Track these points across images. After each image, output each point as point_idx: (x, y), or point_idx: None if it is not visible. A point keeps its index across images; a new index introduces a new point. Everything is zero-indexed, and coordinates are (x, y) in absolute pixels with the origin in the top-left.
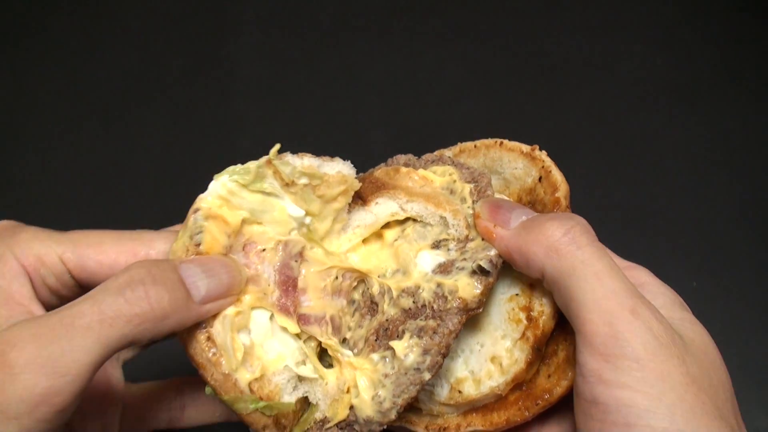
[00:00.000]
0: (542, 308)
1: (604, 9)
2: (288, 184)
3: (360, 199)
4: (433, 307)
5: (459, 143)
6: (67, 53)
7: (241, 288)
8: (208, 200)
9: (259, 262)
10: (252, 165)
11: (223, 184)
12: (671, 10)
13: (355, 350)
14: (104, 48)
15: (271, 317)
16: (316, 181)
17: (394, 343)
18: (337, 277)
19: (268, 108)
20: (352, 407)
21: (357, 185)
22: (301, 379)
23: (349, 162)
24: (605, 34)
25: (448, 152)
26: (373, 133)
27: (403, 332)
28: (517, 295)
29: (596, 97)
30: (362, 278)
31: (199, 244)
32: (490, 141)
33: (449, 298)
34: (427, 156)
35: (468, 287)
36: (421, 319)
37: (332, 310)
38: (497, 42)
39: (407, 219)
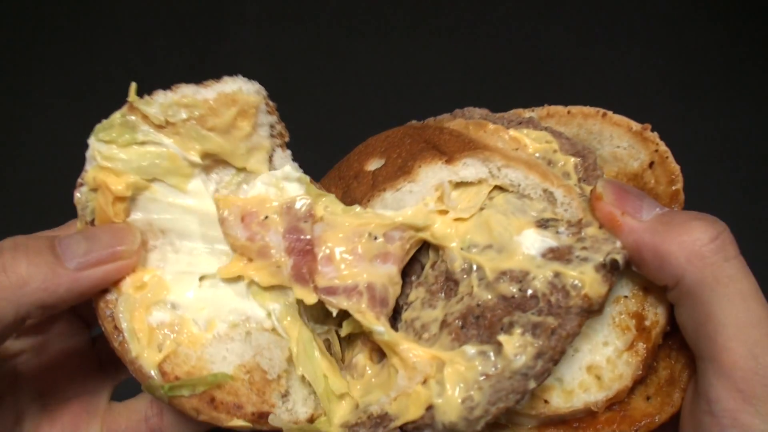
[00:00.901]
0: (657, 318)
1: (605, 8)
2: (164, 126)
3: (443, 153)
4: (549, 300)
5: (547, 105)
6: (67, 52)
7: (133, 252)
8: (87, 171)
9: (264, 231)
10: (115, 116)
11: (94, 147)
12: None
13: (426, 334)
14: (104, 47)
15: (201, 282)
16: (198, 111)
17: (503, 339)
18: (375, 237)
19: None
20: (430, 407)
21: (254, 101)
22: (256, 343)
23: (240, 77)
24: (605, 34)
25: (529, 113)
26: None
27: (511, 326)
28: (626, 297)
29: (596, 97)
30: (431, 246)
31: (91, 221)
32: (589, 109)
33: (572, 293)
34: (505, 115)
35: (595, 284)
36: (533, 313)
37: (371, 277)
38: (497, 42)
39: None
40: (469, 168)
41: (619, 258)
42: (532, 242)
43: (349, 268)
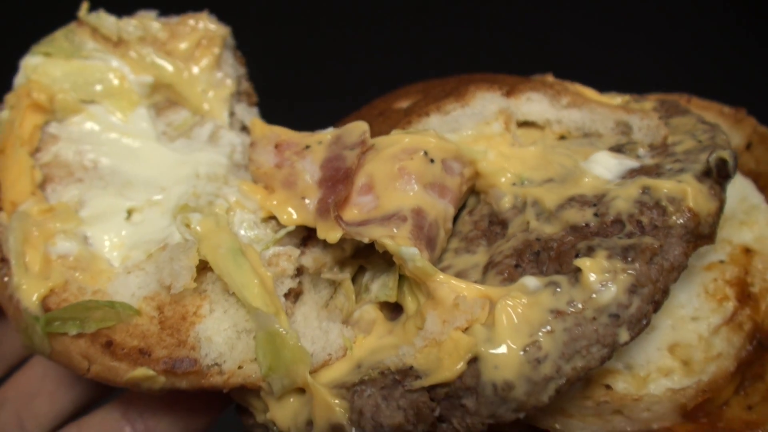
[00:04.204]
0: (767, 284)
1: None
2: (115, 44)
3: (502, 84)
4: (640, 222)
5: (616, 94)
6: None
7: None
8: (14, 89)
9: (297, 158)
10: (58, 31)
11: (26, 63)
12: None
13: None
14: None
15: (130, 215)
16: (156, 31)
17: (581, 262)
18: (432, 160)
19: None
20: (474, 360)
21: (219, 31)
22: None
23: (206, 12)
24: (603, 33)
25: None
26: None
27: (591, 250)
28: (721, 262)
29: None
30: (479, 187)
31: None
32: (671, 96)
33: (670, 209)
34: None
35: (700, 196)
36: (620, 238)
37: (421, 203)
38: (497, 41)
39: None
40: (533, 104)
41: (727, 156)
42: (607, 165)
43: (392, 192)
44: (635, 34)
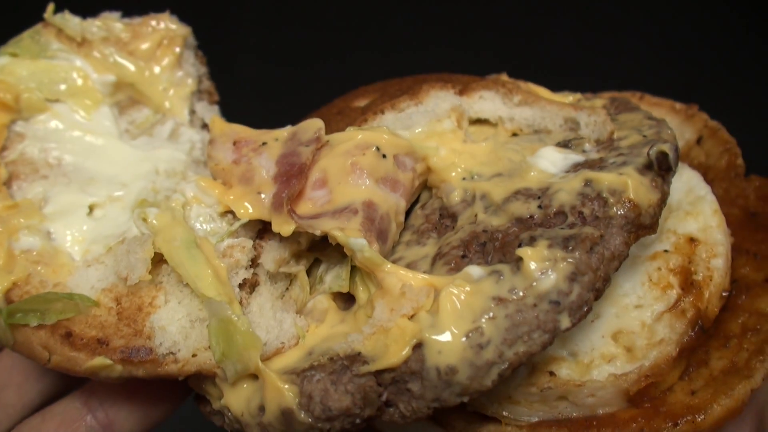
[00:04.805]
0: (710, 273)
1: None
2: (80, 44)
3: (455, 83)
4: (581, 213)
5: (568, 92)
6: None
7: None
8: None
9: (254, 155)
10: (24, 33)
11: None
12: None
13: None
14: None
15: (92, 210)
16: (119, 32)
17: (522, 251)
18: (384, 155)
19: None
20: (418, 346)
21: (181, 31)
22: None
23: (168, 13)
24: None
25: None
26: None
27: (533, 240)
28: (666, 252)
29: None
30: (431, 182)
31: None
32: (624, 93)
33: (611, 200)
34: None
35: (641, 188)
36: (561, 228)
37: (372, 196)
38: (498, 39)
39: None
40: (485, 102)
41: (668, 149)
42: (553, 160)
43: (345, 186)
44: (594, 33)
